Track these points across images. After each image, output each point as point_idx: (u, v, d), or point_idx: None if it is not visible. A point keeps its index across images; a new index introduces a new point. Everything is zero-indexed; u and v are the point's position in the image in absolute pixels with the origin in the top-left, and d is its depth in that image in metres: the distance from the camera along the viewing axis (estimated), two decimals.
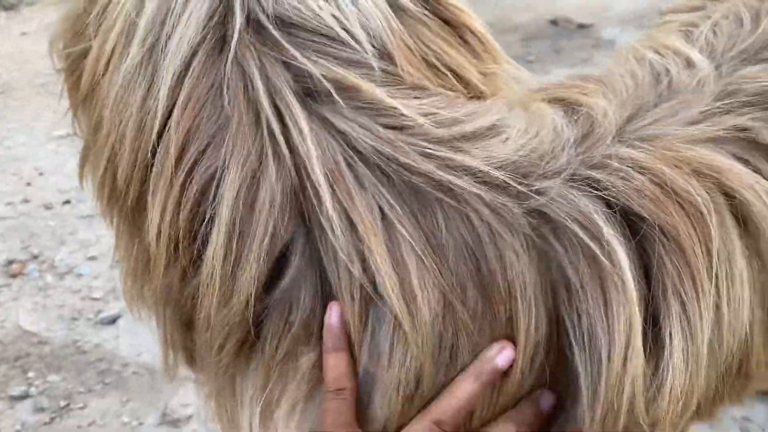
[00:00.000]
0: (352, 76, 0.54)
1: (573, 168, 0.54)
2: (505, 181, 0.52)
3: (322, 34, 0.54)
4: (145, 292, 0.63)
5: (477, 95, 0.62)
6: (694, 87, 0.62)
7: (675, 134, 0.57)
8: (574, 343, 0.53)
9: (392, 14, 0.58)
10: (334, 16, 0.55)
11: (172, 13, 0.54)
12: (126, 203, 0.58)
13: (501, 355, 0.53)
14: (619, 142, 0.56)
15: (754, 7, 0.81)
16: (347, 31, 0.55)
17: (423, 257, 0.51)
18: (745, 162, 0.60)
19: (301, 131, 0.52)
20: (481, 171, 0.52)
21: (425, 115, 0.54)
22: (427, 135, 0.54)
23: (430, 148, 0.53)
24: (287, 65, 0.53)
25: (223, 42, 0.53)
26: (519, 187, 0.52)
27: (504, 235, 0.51)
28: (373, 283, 0.51)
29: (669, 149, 0.55)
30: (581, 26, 3.46)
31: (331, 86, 0.53)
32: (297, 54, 0.53)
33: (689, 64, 0.66)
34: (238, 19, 0.52)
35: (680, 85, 0.63)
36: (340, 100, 0.53)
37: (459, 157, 0.53)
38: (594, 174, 0.54)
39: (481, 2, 2.56)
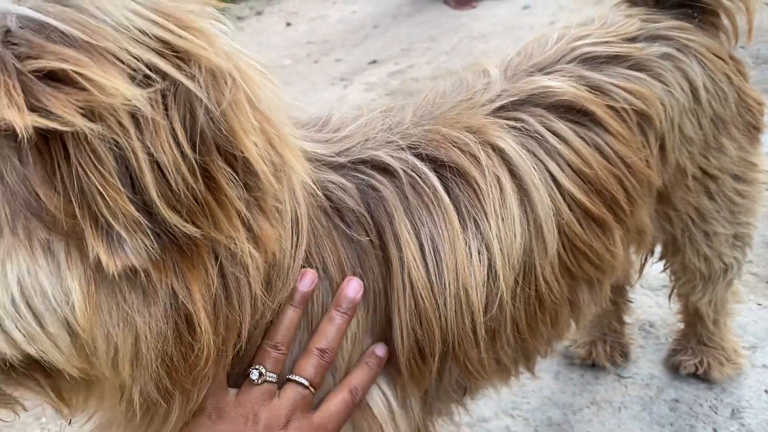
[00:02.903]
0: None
1: (389, 141, 0.86)
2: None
3: None
4: None
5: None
6: (482, 87, 0.89)
7: (455, 111, 0.86)
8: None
9: None
10: None
11: None
12: None
13: (350, 287, 0.78)
14: (415, 125, 0.88)
15: (563, 33, 1.07)
16: None
17: None
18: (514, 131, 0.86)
19: None
20: None
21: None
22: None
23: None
24: None
25: None
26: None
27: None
28: None
29: (449, 119, 0.87)
30: None
31: None
32: None
33: (485, 74, 0.92)
34: None
35: (473, 86, 0.90)
36: None
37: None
38: (403, 141, 0.86)
39: (455, 51, 2.90)
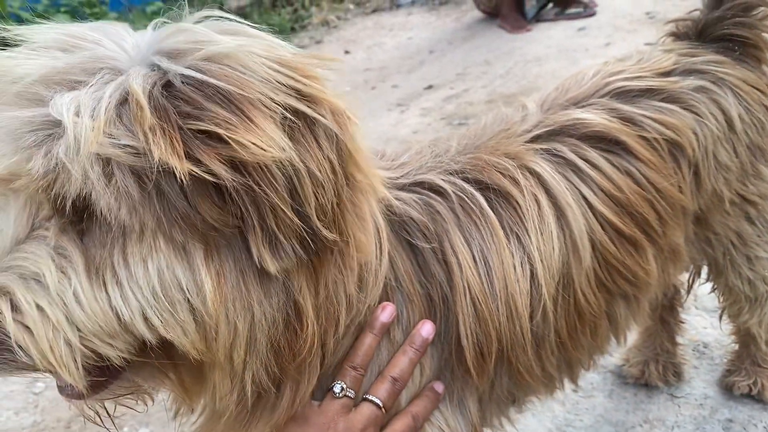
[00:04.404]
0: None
1: (438, 167, 1.02)
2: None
3: None
4: None
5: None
6: (519, 119, 1.03)
7: (495, 141, 1.04)
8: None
9: None
10: None
11: None
12: None
13: (424, 329, 0.92)
14: (460, 153, 1.05)
15: (599, 69, 1.19)
16: None
17: None
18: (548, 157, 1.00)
19: None
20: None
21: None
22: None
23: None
24: None
25: None
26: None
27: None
28: None
29: (489, 147, 1.03)
30: None
31: None
32: None
33: (524, 108, 1.06)
34: None
35: (511, 119, 1.07)
36: None
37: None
38: (451, 166, 1.02)
39: (510, 75, 3.05)
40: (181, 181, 0.65)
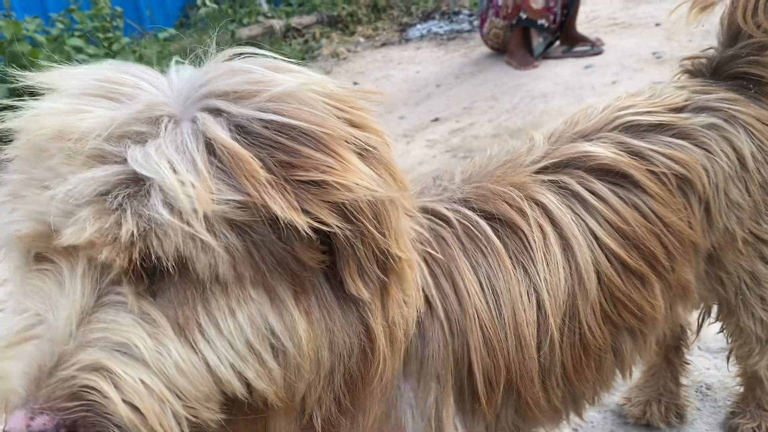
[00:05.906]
0: None
1: (442, 195, 1.00)
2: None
3: None
4: None
5: None
6: (526, 151, 1.01)
7: (501, 171, 1.03)
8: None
9: None
10: None
11: None
12: None
13: None
14: (464, 182, 1.03)
15: (609, 103, 1.18)
16: None
17: None
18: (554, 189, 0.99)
19: None
20: None
21: None
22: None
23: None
24: None
25: None
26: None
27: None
28: None
29: (496, 177, 1.02)
30: None
31: None
32: None
33: (531, 140, 1.05)
34: None
35: (518, 150, 1.04)
36: None
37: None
38: (455, 195, 1.00)
39: (516, 110, 3.06)
40: (304, 233, 0.64)
